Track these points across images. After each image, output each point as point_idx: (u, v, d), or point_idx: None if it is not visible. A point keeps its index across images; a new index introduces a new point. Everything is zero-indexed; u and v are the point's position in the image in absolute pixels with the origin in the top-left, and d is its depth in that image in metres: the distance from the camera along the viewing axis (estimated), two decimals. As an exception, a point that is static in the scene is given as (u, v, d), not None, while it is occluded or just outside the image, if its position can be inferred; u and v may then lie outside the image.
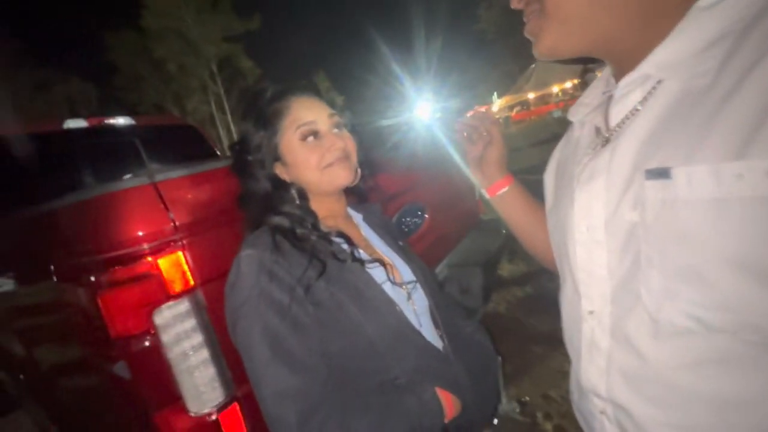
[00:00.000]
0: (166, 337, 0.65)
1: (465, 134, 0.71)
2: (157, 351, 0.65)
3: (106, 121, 2.36)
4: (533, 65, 21.40)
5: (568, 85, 21.33)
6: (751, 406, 0.34)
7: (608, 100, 0.47)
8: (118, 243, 0.63)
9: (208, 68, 26.73)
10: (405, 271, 0.72)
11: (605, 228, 0.41)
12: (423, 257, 0.91)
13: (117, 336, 0.65)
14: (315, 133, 0.65)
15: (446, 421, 0.63)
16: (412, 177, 1.41)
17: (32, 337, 1.17)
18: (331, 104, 0.71)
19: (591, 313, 0.44)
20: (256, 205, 0.66)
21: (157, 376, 0.67)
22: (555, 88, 21.56)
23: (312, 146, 0.65)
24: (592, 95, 0.51)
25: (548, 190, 0.59)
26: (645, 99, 0.40)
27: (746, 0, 0.34)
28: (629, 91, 0.41)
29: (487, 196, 0.71)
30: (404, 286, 0.70)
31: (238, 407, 0.73)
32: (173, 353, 0.65)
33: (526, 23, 0.43)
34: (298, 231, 0.64)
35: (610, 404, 0.43)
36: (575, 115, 0.53)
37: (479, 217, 1.99)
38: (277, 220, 0.64)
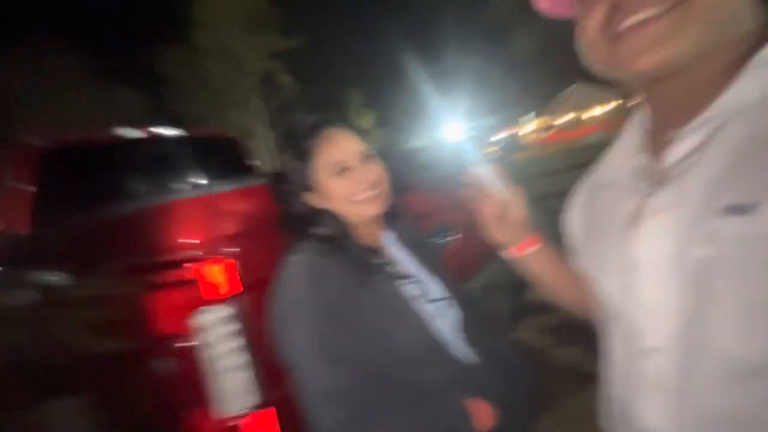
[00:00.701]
0: (204, 340, 0.70)
1: (470, 193, 0.66)
2: (194, 352, 0.70)
3: (158, 132, 2.56)
4: (572, 86, 21.05)
5: (609, 107, 20.74)
6: None
7: (651, 143, 0.48)
8: (168, 249, 0.69)
9: (251, 83, 28.21)
10: (435, 288, 0.75)
11: (675, 264, 0.41)
12: (451, 277, 0.92)
13: (161, 335, 0.71)
14: (344, 168, 0.70)
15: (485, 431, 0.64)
16: (443, 198, 1.43)
17: (86, 328, 1.26)
18: (362, 131, 0.76)
19: (657, 350, 0.43)
20: (295, 225, 0.71)
21: (192, 376, 0.71)
22: (595, 111, 21.03)
23: (342, 180, 0.70)
24: (627, 140, 0.53)
25: (576, 232, 0.60)
26: (706, 141, 0.41)
27: None
28: (690, 133, 0.42)
29: (508, 257, 0.67)
30: (433, 303, 0.72)
31: (268, 413, 0.76)
32: (209, 356, 0.70)
33: (637, 17, 0.40)
34: (340, 242, 0.69)
35: (666, 374, 0.42)
36: (608, 175, 0.55)
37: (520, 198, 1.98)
38: (321, 230, 0.70)
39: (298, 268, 0.65)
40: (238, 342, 0.71)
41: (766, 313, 0.34)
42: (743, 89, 0.39)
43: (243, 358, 0.72)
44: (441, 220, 1.39)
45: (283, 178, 0.73)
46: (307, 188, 0.71)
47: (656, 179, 0.45)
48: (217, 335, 0.69)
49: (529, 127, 26.41)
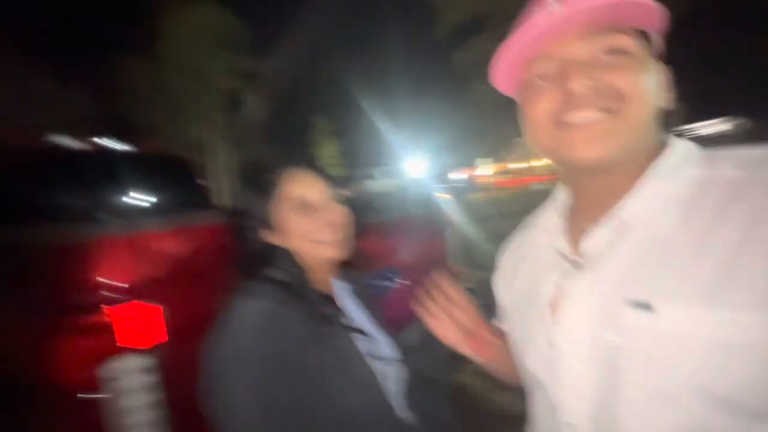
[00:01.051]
0: (114, 392, 0.64)
1: (426, 312, 0.68)
2: (101, 406, 0.63)
3: (101, 144, 2.39)
4: (518, 137, 22.80)
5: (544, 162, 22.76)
6: None
7: (570, 228, 0.55)
8: (84, 289, 0.64)
9: (214, 99, 27.61)
10: (384, 346, 0.73)
11: (589, 348, 0.45)
12: (393, 321, 0.93)
13: (66, 383, 0.63)
14: (307, 206, 0.69)
15: None
16: (391, 241, 1.46)
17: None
18: (328, 175, 0.76)
19: (569, 425, 0.47)
20: (249, 264, 0.68)
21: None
22: (536, 162, 23.06)
23: (303, 218, 0.69)
24: (549, 220, 0.59)
25: (502, 297, 0.65)
26: (617, 236, 0.47)
27: (697, 170, 0.44)
28: (603, 227, 0.49)
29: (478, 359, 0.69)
30: (381, 361, 0.71)
31: None
32: (119, 410, 0.63)
33: (584, 114, 0.47)
34: (296, 287, 0.66)
35: None
36: (531, 236, 0.61)
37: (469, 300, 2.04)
38: (277, 273, 0.66)
39: (250, 315, 0.60)
40: (154, 397, 0.66)
41: (667, 400, 0.38)
42: (646, 194, 0.46)
43: (157, 415, 0.66)
44: (388, 263, 1.41)
45: (240, 212, 0.71)
46: (266, 224, 0.69)
47: (573, 263, 0.51)
48: (130, 388, 0.63)
49: (486, 169, 28.14)
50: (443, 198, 2.28)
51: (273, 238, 0.70)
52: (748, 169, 0.40)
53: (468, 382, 2.50)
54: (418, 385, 0.77)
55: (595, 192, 0.51)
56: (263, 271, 0.67)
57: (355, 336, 0.69)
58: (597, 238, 0.49)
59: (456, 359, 2.03)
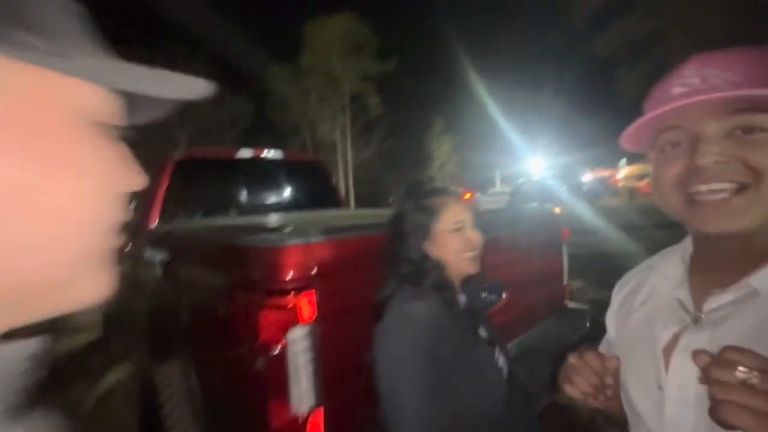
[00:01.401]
0: (291, 350, 0.95)
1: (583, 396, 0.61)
2: (283, 358, 0.95)
3: (266, 154, 3.05)
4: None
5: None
6: None
7: (693, 283, 0.55)
8: (275, 281, 0.96)
9: (341, 101, 30.42)
10: (501, 357, 0.84)
11: (695, 398, 0.48)
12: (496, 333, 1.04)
13: (261, 340, 0.97)
14: (459, 228, 0.86)
15: None
16: (498, 256, 1.55)
17: (200, 311, 1.60)
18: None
19: None
20: (403, 267, 0.84)
21: (279, 375, 0.96)
22: None
23: (458, 237, 0.85)
24: (674, 269, 0.59)
25: (614, 332, 0.68)
26: (741, 301, 0.48)
27: None
28: (731, 291, 0.49)
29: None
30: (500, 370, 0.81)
31: (320, 412, 1.00)
32: (293, 362, 0.95)
33: (710, 186, 0.47)
34: (450, 295, 0.80)
35: None
36: (653, 280, 0.62)
37: (563, 304, 1.98)
38: (437, 281, 0.80)
39: (422, 315, 0.71)
40: (312, 355, 0.95)
41: None
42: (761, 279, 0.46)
43: (313, 368, 0.96)
44: (491, 277, 1.51)
45: (401, 224, 0.87)
46: (426, 237, 0.85)
47: (693, 318, 0.53)
48: (300, 348, 0.94)
49: (624, 172, 24.16)
50: (559, 210, 2.21)
51: (428, 248, 0.84)
52: None
53: (580, 407, 2.38)
54: (517, 395, 0.85)
55: (726, 256, 0.51)
56: (425, 278, 0.80)
57: (492, 347, 0.81)
58: (724, 301, 0.50)
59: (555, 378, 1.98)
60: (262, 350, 0.95)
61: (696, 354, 0.41)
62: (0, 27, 0.22)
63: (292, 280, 0.94)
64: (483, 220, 1.44)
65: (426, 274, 0.82)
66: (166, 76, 0.29)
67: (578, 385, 0.60)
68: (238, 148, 2.80)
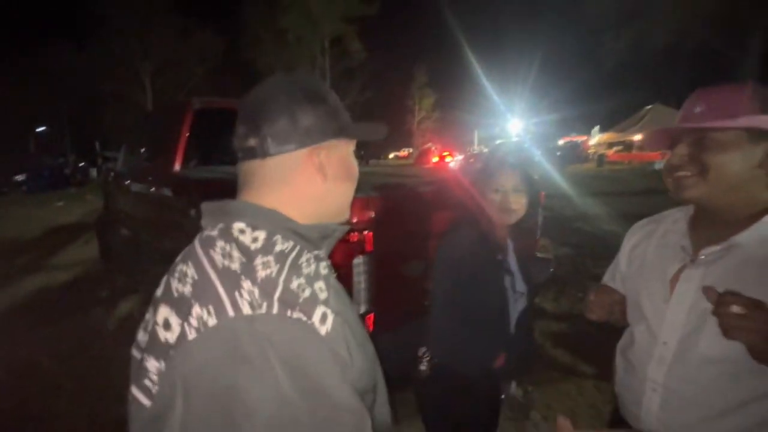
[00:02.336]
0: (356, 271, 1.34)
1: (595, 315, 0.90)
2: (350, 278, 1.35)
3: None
4: (649, 107, 19.59)
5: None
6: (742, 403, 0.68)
7: (693, 235, 0.79)
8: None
9: (321, 44, 28.79)
10: (520, 285, 1.20)
11: (690, 308, 0.74)
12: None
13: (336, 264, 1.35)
14: (504, 190, 1.15)
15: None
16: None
17: None
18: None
19: (665, 343, 0.77)
20: (462, 210, 1.20)
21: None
22: None
23: (502, 196, 1.14)
24: (679, 224, 0.84)
25: (625, 263, 0.95)
26: (727, 252, 0.71)
27: None
28: (719, 245, 0.72)
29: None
30: (516, 293, 1.18)
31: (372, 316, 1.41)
32: (356, 281, 1.34)
33: (677, 178, 0.74)
34: (486, 232, 1.15)
35: (662, 384, 0.76)
36: (662, 229, 0.89)
37: (534, 254, 2.47)
38: (475, 221, 1.16)
39: (467, 235, 1.11)
40: (369, 277, 1.35)
41: (730, 348, 0.64)
42: (757, 233, 0.69)
43: (367, 285, 1.36)
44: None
45: (473, 181, 1.18)
46: (489, 189, 1.14)
47: (691, 259, 0.77)
48: (360, 270, 1.33)
49: (595, 139, 24.82)
50: (538, 173, 2.62)
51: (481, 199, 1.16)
52: None
53: (535, 338, 2.98)
54: (528, 314, 1.22)
55: (711, 219, 0.76)
56: (469, 218, 1.15)
57: (506, 274, 1.15)
58: (712, 251, 0.72)
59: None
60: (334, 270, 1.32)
61: (707, 290, 0.61)
62: (340, 126, 0.57)
63: (357, 223, 1.30)
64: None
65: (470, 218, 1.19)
66: (372, 127, 0.62)
67: (596, 313, 0.90)
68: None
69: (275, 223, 0.52)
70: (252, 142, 0.53)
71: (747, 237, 0.70)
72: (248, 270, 0.45)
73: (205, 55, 25.13)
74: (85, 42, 19.89)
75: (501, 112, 26.66)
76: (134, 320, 3.17)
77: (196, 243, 0.51)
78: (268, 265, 0.46)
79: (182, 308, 0.43)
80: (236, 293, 0.43)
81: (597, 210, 7.36)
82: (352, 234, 1.28)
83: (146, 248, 2.97)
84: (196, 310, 0.42)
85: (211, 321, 0.41)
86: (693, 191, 0.73)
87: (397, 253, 1.52)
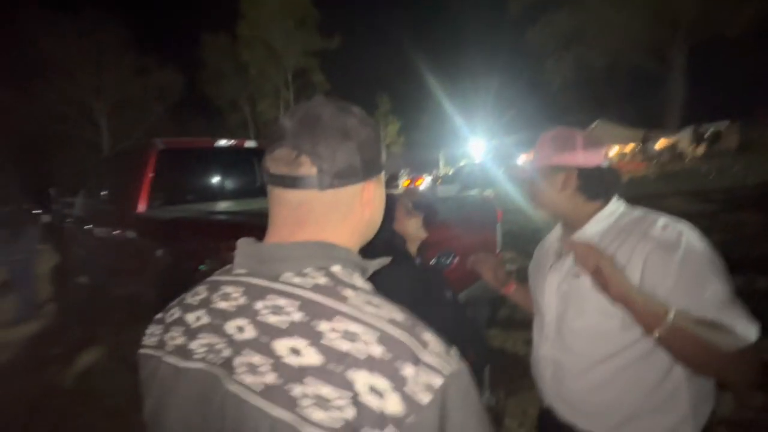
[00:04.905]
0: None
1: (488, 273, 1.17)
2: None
3: (242, 143, 3.27)
4: (596, 122, 21.18)
5: (626, 148, 20.99)
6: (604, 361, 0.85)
7: (562, 237, 1.02)
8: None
9: (284, 77, 29.18)
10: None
11: (557, 292, 0.94)
12: (451, 286, 1.55)
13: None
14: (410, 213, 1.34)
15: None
16: (449, 231, 2.09)
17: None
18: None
19: (548, 322, 0.96)
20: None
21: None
22: (611, 151, 21.11)
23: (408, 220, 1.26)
24: (556, 232, 1.08)
25: (532, 265, 1.16)
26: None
27: (613, 218, 0.91)
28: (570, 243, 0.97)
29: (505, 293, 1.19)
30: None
31: None
32: None
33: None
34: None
35: (551, 358, 0.95)
36: (549, 238, 1.10)
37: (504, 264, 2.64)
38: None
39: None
40: None
41: (586, 313, 0.88)
42: (586, 231, 0.91)
43: None
44: (446, 247, 2.04)
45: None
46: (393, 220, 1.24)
47: (559, 256, 0.99)
48: None
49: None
50: (493, 194, 2.83)
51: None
52: (635, 222, 0.84)
53: (508, 348, 3.08)
54: (469, 324, 1.34)
55: (567, 228, 0.98)
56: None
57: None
58: (566, 246, 0.95)
59: (492, 323, 2.63)
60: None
61: (566, 243, 0.87)
62: (379, 165, 0.53)
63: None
64: (439, 206, 1.95)
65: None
66: (394, 159, 0.73)
67: (482, 268, 1.16)
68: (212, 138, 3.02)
69: (352, 261, 0.50)
70: (308, 170, 0.47)
71: (580, 234, 0.92)
72: (398, 315, 0.43)
73: (164, 92, 24.54)
74: (27, 83, 18.88)
75: (464, 135, 27.82)
76: (94, 375, 3.01)
77: (313, 295, 0.43)
78: (398, 307, 0.44)
79: (385, 371, 0.37)
80: (422, 347, 0.39)
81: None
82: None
83: (107, 295, 2.87)
84: (408, 371, 0.37)
85: (436, 381, 0.38)
86: (539, 211, 1.00)
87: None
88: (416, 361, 0.38)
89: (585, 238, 0.90)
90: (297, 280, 0.45)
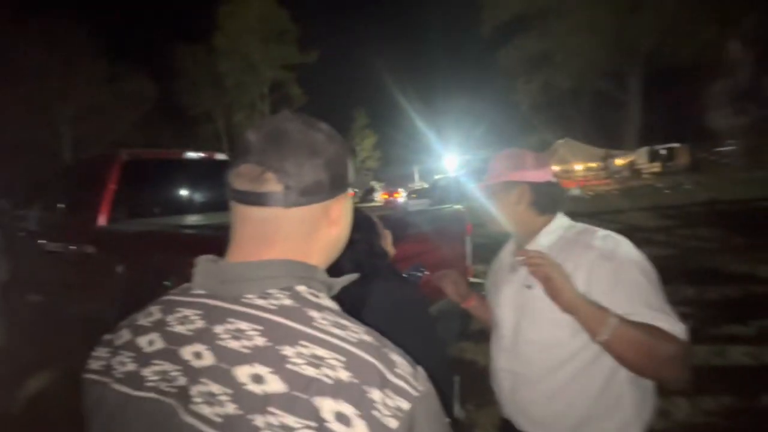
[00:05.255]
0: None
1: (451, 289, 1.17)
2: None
3: (213, 156, 3.22)
4: (561, 140, 22.18)
5: (590, 165, 22.04)
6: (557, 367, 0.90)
7: (516, 251, 1.08)
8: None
9: (261, 89, 28.97)
10: None
11: (511, 304, 0.98)
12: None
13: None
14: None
15: None
16: (420, 245, 2.12)
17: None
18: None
19: (505, 335, 0.99)
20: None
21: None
22: (577, 167, 22.09)
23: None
24: (510, 246, 1.13)
25: (488, 279, 1.20)
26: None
27: (561, 231, 0.98)
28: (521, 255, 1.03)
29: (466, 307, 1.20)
30: None
31: None
32: None
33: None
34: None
35: (508, 370, 0.98)
36: (504, 252, 1.15)
37: (467, 279, 2.68)
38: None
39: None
40: None
41: (539, 321, 0.92)
42: (537, 243, 1.00)
43: None
44: (416, 261, 2.08)
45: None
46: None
47: (512, 268, 1.06)
48: None
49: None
50: (464, 209, 2.90)
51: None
52: (579, 234, 0.93)
53: (479, 361, 3.12)
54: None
55: (521, 238, 1.03)
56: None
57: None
58: (518, 259, 0.96)
59: (462, 331, 2.68)
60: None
61: (520, 253, 0.86)
62: (347, 182, 0.51)
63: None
64: (409, 221, 1.97)
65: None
66: (362, 176, 0.73)
67: (446, 284, 1.15)
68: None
69: (318, 280, 0.48)
70: (273, 187, 0.45)
71: (532, 246, 0.96)
72: (366, 336, 0.42)
73: (136, 100, 23.54)
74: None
75: (438, 150, 28.42)
76: (45, 400, 2.80)
77: (277, 317, 0.41)
78: (364, 329, 0.43)
79: (351, 396, 0.36)
80: (389, 370, 0.39)
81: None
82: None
83: (61, 314, 2.71)
84: (375, 395, 0.36)
85: (404, 405, 0.37)
86: (491, 226, 1.04)
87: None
88: (383, 384, 0.37)
89: (536, 249, 0.95)
90: (260, 302, 0.42)
